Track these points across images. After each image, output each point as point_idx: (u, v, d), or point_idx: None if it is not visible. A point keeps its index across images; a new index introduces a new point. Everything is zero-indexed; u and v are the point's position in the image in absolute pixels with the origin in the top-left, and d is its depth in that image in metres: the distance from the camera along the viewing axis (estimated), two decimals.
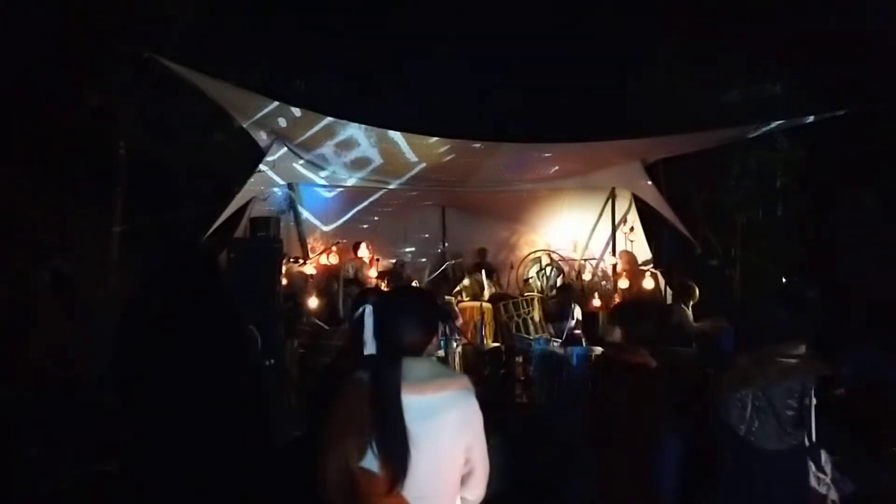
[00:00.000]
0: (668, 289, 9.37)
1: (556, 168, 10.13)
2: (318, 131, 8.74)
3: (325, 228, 10.43)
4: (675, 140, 9.30)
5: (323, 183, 10.18)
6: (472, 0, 12.42)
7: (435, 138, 8.79)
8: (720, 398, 3.22)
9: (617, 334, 3.19)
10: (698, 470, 3.10)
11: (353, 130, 8.67)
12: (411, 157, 9.36)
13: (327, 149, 9.26)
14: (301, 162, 9.71)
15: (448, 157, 9.39)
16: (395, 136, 8.74)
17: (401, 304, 2.26)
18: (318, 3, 11.23)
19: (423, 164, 9.61)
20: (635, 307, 3.73)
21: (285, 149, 9.37)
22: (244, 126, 8.79)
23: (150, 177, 8.72)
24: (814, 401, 3.25)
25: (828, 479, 3.21)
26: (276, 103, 7.98)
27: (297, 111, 8.21)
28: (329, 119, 8.33)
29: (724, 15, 10.06)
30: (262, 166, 9.18)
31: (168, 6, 8.17)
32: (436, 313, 2.35)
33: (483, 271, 10.01)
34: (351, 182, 10.32)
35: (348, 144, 9.12)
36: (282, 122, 8.55)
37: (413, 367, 2.09)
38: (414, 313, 2.19)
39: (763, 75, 10.12)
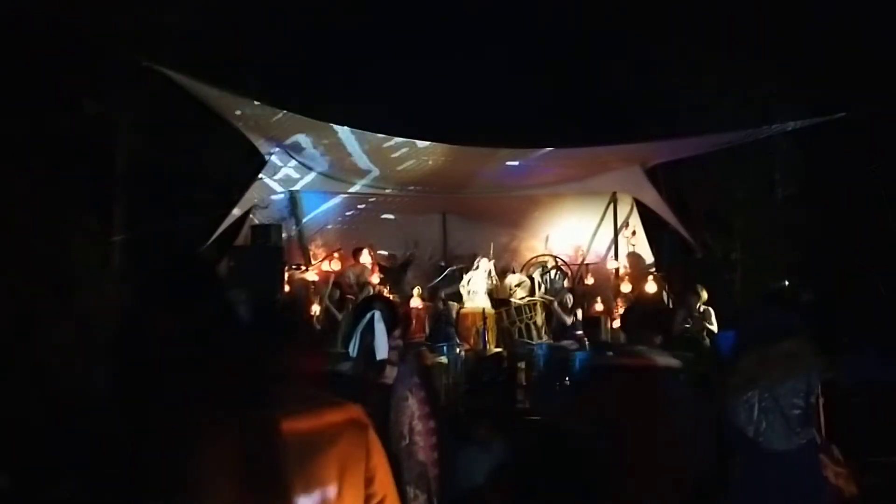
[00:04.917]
0: (670, 292, 9.34)
1: (557, 173, 10.11)
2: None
3: (327, 235, 10.42)
4: (675, 144, 9.28)
5: (324, 189, 10.18)
6: (469, 3, 12.45)
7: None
8: (727, 400, 3.19)
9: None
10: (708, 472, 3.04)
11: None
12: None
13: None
14: (302, 168, 9.70)
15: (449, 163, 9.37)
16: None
17: (257, 322, 1.88)
18: (316, 9, 11.24)
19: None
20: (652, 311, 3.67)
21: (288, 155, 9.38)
22: (245, 133, 8.80)
23: (151, 185, 8.71)
24: (821, 399, 3.23)
25: (845, 473, 3.18)
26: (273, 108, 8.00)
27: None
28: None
29: (723, 18, 10.07)
30: (262, 174, 9.18)
31: (166, 15, 8.18)
32: (299, 327, 2.00)
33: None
34: (352, 189, 10.31)
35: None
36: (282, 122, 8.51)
37: (287, 397, 1.67)
38: (272, 331, 1.85)
39: (762, 79, 10.11)
